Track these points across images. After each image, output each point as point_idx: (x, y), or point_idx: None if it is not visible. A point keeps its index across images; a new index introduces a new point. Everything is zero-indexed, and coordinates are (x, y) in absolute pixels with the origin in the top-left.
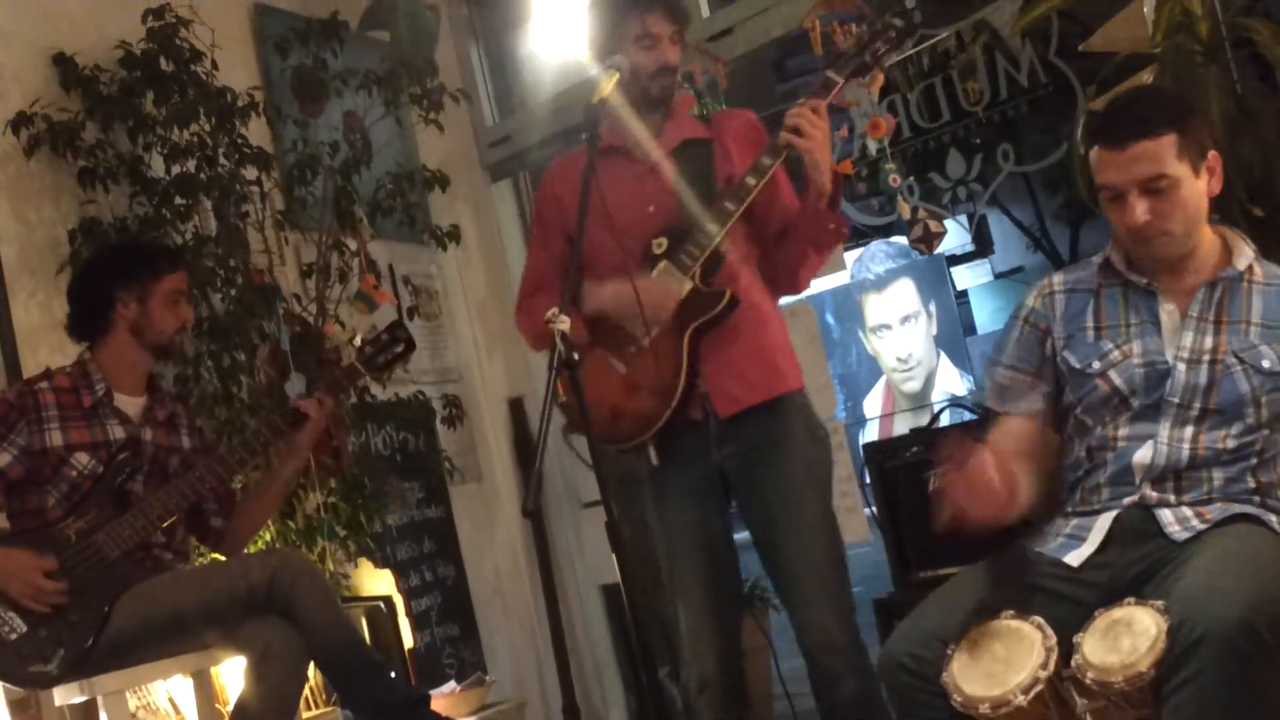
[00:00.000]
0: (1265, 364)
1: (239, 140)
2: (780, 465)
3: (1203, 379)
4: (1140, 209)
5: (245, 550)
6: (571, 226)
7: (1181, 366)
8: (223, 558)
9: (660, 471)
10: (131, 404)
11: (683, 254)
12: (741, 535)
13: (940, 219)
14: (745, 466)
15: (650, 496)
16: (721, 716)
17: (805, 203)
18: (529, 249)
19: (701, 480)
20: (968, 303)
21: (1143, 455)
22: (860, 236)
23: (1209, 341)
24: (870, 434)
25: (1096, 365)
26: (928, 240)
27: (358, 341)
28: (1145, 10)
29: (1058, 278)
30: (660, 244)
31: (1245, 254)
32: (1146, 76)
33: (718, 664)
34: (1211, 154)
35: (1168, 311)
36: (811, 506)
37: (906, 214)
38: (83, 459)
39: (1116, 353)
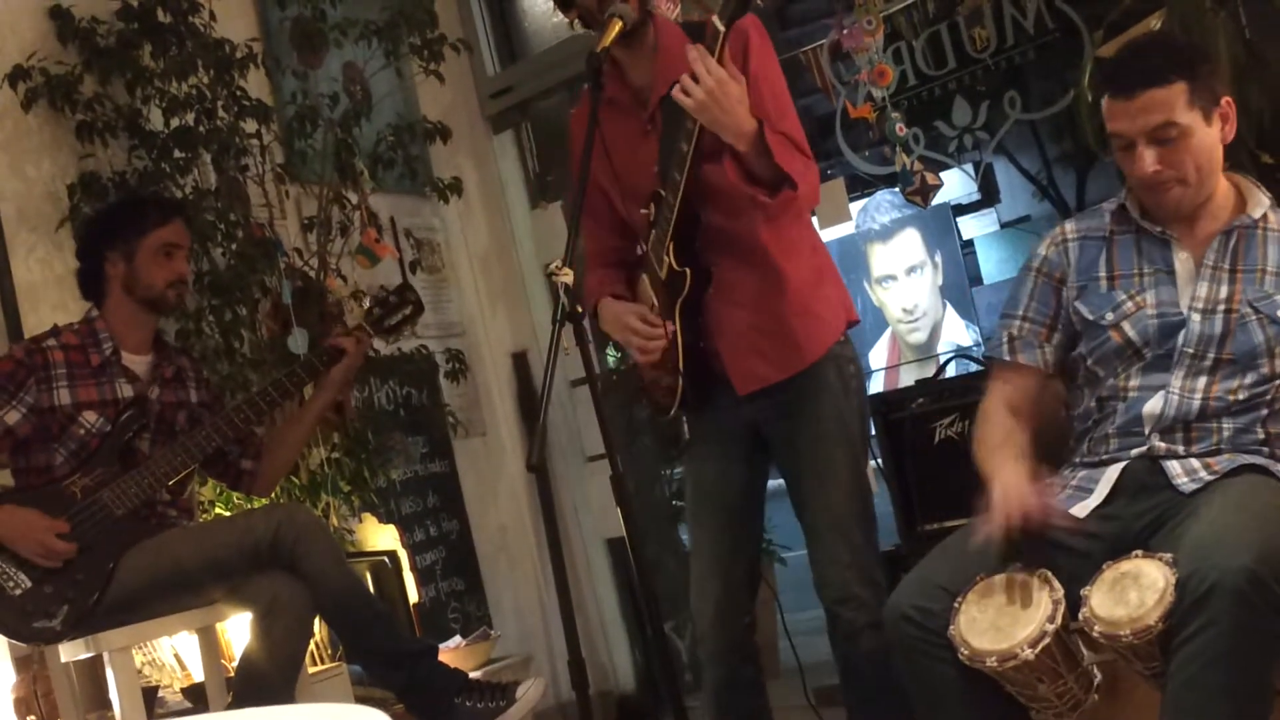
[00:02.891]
0: None
1: (238, 93)
2: (811, 418)
3: (1217, 328)
4: (1149, 158)
5: (269, 494)
6: (599, 175)
7: (1196, 317)
8: (259, 499)
9: (693, 421)
10: (139, 362)
11: (656, 228)
12: (777, 483)
13: (937, 171)
14: (775, 419)
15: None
16: (717, 671)
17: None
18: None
19: (730, 432)
20: (974, 253)
21: (1153, 405)
22: (865, 186)
23: (1224, 291)
24: (876, 385)
25: (1109, 316)
26: (924, 193)
27: (366, 303)
28: None
29: (1070, 225)
30: (649, 213)
31: (1261, 202)
32: (1154, 21)
33: (715, 618)
34: (1224, 100)
35: (1181, 260)
36: (839, 461)
37: (910, 165)
38: (90, 417)
39: (1129, 303)
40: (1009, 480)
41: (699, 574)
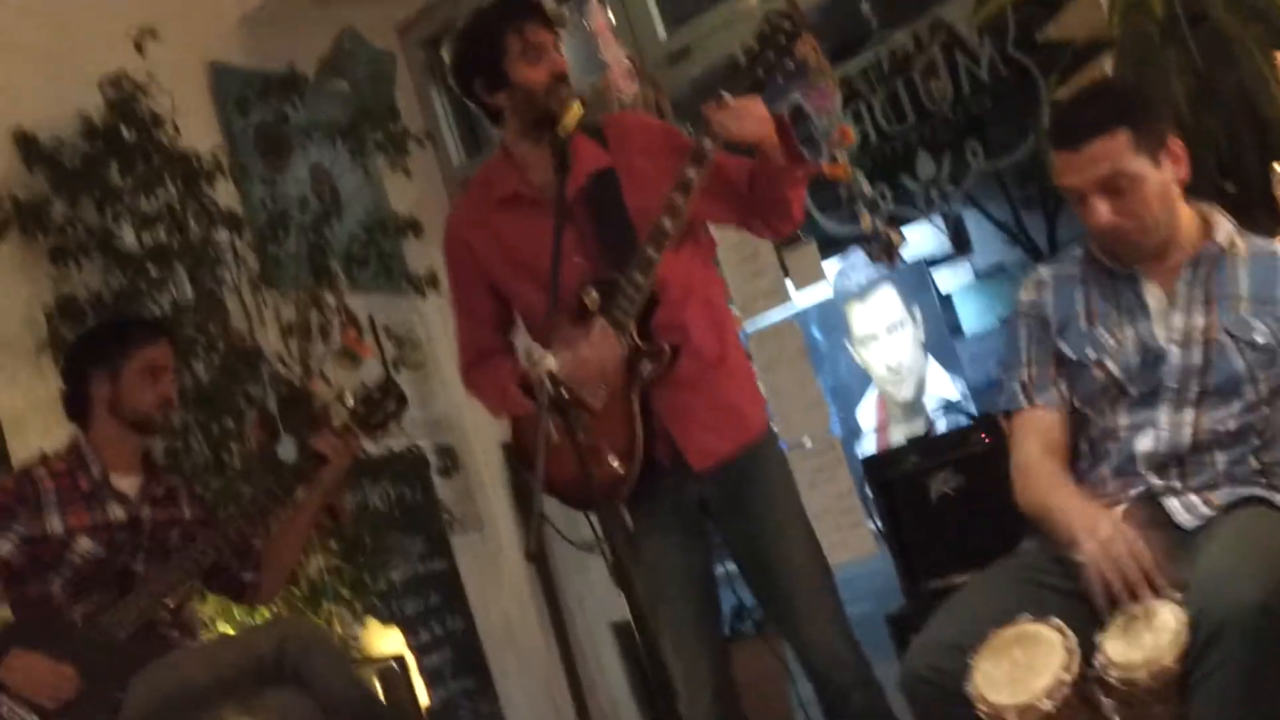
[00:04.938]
0: (1258, 339)
1: (207, 203)
2: (763, 487)
3: (1197, 359)
4: (1103, 211)
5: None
6: (494, 277)
7: (1175, 349)
8: (263, 610)
9: (637, 513)
10: (129, 483)
11: (616, 309)
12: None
13: (899, 228)
14: (727, 496)
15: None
16: None
17: (763, 169)
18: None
19: (679, 515)
20: (952, 305)
21: (1144, 443)
22: (837, 246)
23: (1199, 320)
24: (867, 446)
25: (1091, 354)
26: (889, 251)
27: (349, 401)
28: None
29: (1045, 270)
30: (592, 298)
31: (1224, 227)
32: (1106, 61)
33: (714, 697)
34: (1172, 140)
35: (1153, 295)
36: (798, 526)
37: (875, 225)
38: (84, 544)
39: (1111, 340)
40: (1110, 525)
41: (688, 656)
